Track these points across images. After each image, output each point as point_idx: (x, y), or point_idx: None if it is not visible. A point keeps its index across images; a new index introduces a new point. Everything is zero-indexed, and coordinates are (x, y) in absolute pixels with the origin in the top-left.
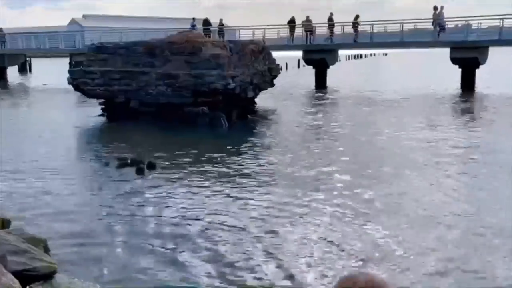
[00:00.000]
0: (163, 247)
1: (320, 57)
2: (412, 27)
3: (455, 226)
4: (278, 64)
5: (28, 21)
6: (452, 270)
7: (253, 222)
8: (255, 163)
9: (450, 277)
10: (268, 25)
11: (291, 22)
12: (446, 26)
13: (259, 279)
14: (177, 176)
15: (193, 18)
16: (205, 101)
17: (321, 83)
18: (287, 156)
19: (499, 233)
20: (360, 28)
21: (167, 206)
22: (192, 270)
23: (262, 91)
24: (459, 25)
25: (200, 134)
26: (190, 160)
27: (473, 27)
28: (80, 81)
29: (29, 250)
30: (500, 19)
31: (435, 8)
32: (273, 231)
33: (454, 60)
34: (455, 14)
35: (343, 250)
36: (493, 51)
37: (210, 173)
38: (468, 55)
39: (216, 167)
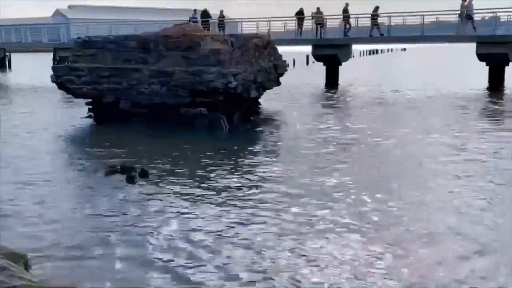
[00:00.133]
0: (154, 262)
1: (331, 53)
2: (434, 20)
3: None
4: (285, 61)
5: (7, 12)
6: None
7: (255, 239)
8: (259, 172)
9: None
10: (273, 17)
11: (300, 14)
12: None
13: None
14: (172, 185)
15: (194, 10)
16: (203, 102)
17: (332, 81)
18: (295, 165)
19: None
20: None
21: (161, 219)
22: None
23: (266, 91)
24: (486, 18)
25: (198, 138)
26: (187, 167)
27: (502, 20)
28: (65, 78)
29: (7, 267)
30: None
31: None
32: (276, 248)
33: (480, 56)
34: (481, 5)
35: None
36: None
37: (208, 182)
38: (497, 50)
39: (215, 175)
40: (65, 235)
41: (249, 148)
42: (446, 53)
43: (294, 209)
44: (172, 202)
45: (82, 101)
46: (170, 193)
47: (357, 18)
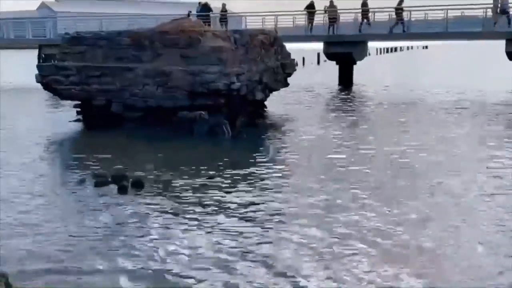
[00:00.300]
0: (146, 277)
1: (345, 51)
2: (459, 14)
3: None
4: (294, 59)
5: None
6: None
7: (261, 262)
8: (264, 184)
9: None
10: (281, 11)
11: (310, 7)
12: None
13: None
14: (168, 197)
15: (199, 3)
16: (203, 104)
17: (346, 82)
18: (304, 178)
19: None
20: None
21: (156, 235)
22: None
23: (273, 92)
24: None
25: (198, 144)
26: (185, 177)
27: None
28: (52, 78)
29: None
30: None
31: None
32: (284, 271)
33: (510, 55)
34: None
35: None
36: None
37: (208, 195)
38: None
39: (216, 187)
40: (48, 253)
41: (254, 157)
42: (472, 51)
43: (310, 229)
44: (167, 215)
45: (70, 103)
46: (165, 206)
47: (374, 12)
